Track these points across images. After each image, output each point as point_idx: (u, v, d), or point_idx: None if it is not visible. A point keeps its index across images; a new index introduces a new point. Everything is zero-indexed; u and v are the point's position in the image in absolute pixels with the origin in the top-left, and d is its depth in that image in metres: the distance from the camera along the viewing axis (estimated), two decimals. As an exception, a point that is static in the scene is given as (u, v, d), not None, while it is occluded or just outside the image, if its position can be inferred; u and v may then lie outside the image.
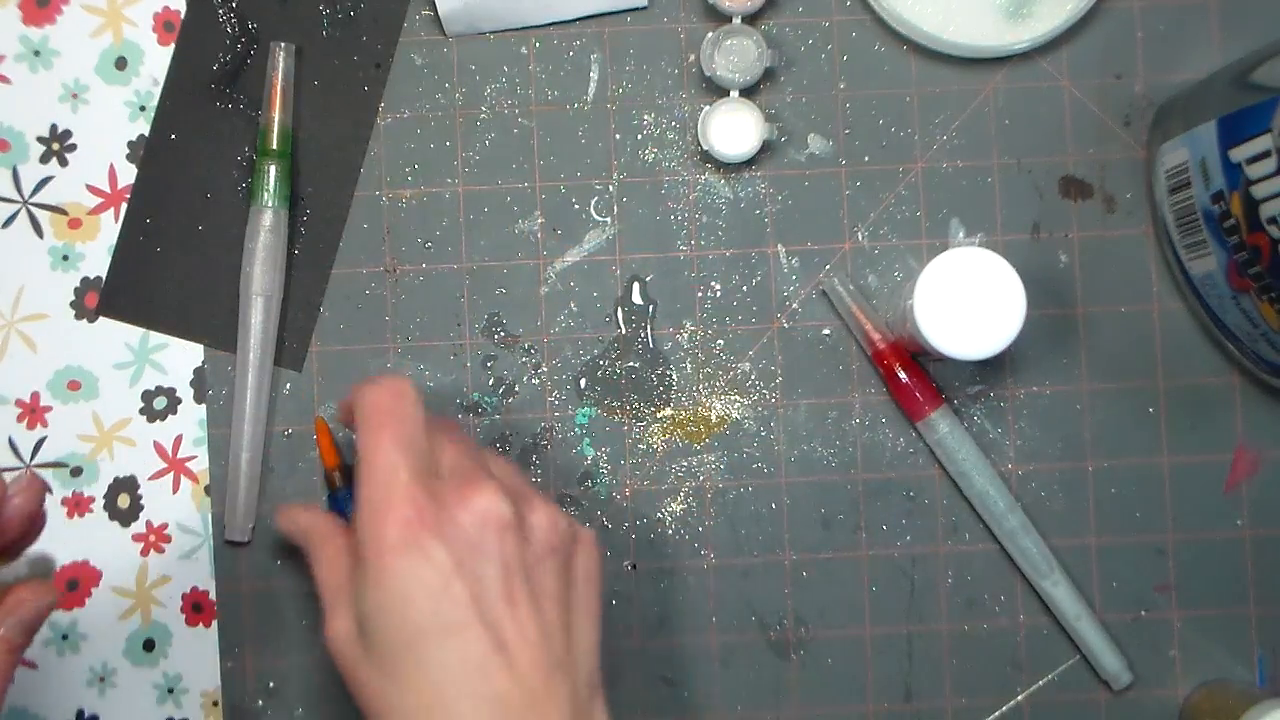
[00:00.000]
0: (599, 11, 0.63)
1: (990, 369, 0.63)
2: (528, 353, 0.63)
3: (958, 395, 0.63)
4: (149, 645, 0.62)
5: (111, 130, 0.63)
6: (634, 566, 0.62)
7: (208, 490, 0.63)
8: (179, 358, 0.63)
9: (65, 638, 0.62)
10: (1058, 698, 0.62)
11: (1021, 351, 0.63)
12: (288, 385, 0.63)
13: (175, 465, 0.63)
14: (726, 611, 0.62)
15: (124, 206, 0.63)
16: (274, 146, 0.61)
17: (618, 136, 0.63)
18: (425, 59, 0.63)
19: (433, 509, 0.48)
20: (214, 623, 0.62)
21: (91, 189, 0.63)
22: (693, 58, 0.63)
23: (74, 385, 0.63)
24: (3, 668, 0.47)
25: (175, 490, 0.63)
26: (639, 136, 0.63)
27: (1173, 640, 0.62)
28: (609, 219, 0.63)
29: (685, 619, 0.62)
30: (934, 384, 0.62)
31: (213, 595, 0.62)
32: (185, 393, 0.63)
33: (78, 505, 0.63)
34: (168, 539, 0.63)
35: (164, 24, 0.63)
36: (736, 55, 0.61)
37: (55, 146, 0.63)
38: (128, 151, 0.63)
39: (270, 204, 0.61)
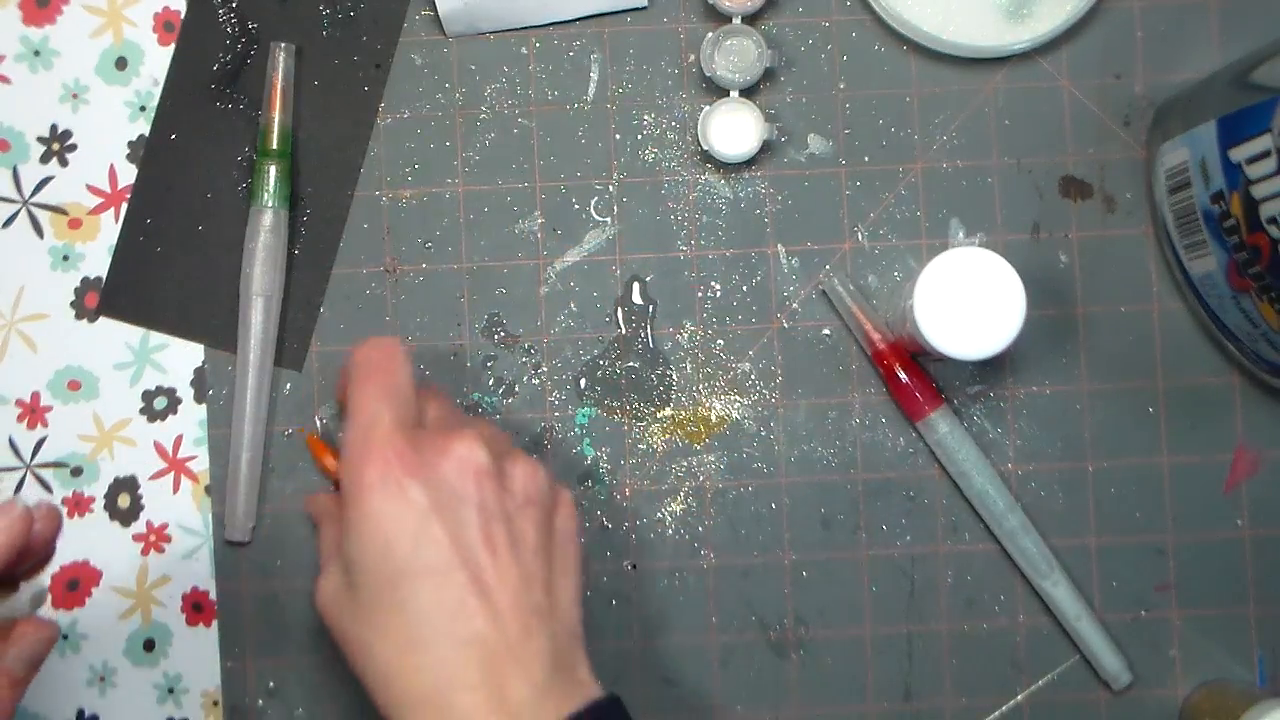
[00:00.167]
0: (599, 11, 0.63)
1: (990, 369, 0.63)
2: (528, 353, 0.63)
3: (958, 395, 0.63)
4: (149, 645, 0.62)
5: (111, 130, 0.63)
6: (634, 566, 0.62)
7: (208, 490, 0.63)
8: (179, 358, 0.63)
9: (65, 638, 0.62)
10: (1058, 698, 0.62)
11: (1021, 351, 0.63)
12: (288, 385, 0.63)
13: (175, 465, 0.63)
14: (726, 611, 0.62)
15: (124, 206, 0.63)
16: (274, 146, 0.61)
17: (618, 136, 0.63)
18: (425, 59, 0.63)
19: (413, 453, 0.49)
20: (214, 623, 0.62)
21: (91, 189, 0.63)
22: (693, 58, 0.63)
23: (74, 385, 0.63)
24: (6, 701, 0.47)
25: (175, 490, 0.63)
26: (639, 136, 0.63)
27: (1173, 640, 0.62)
28: (609, 219, 0.63)
29: (685, 619, 0.62)
30: (934, 384, 0.62)
31: (213, 595, 0.62)
32: (185, 393, 0.63)
33: (78, 505, 0.63)
34: (168, 539, 0.63)
35: (164, 24, 0.63)
36: (736, 55, 0.61)
37: (55, 146, 0.63)
38: (128, 151, 0.63)
39: (270, 204, 0.61)
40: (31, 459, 0.63)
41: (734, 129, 0.61)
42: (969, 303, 0.54)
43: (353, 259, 0.63)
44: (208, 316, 0.63)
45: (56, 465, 0.63)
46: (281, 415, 0.63)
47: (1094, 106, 0.63)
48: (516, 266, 0.63)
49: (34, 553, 0.48)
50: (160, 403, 0.63)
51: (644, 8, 0.63)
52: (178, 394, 0.63)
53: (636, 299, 0.63)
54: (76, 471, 0.63)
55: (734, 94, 0.61)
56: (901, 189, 0.63)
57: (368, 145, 0.63)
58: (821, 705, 0.62)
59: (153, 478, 0.63)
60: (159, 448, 0.63)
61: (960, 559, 0.62)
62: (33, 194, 0.63)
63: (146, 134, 0.63)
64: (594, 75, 0.63)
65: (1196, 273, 0.59)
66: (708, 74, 0.61)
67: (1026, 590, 0.62)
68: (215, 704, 0.62)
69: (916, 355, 0.61)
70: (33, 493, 0.63)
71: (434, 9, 0.62)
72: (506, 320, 0.63)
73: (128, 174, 0.63)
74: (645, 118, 0.63)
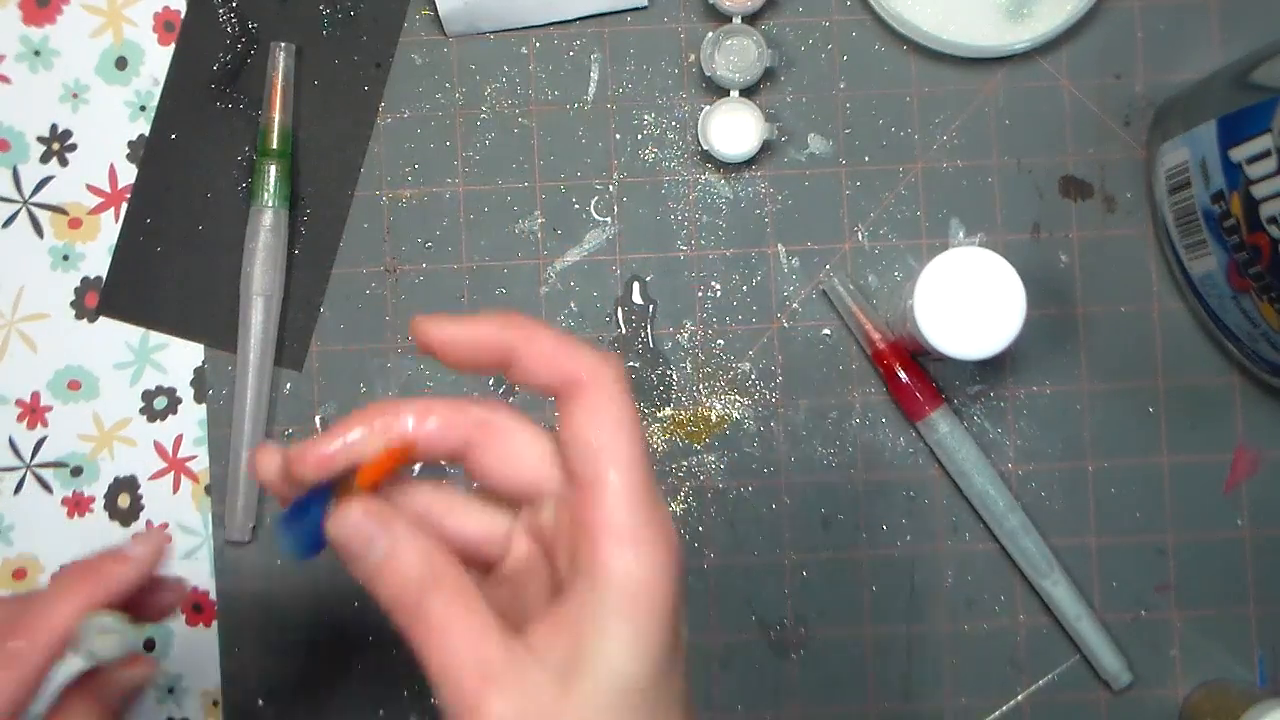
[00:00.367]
0: (599, 11, 0.63)
1: (990, 369, 0.63)
2: (528, 353, 0.63)
3: (958, 395, 0.63)
4: (149, 645, 0.62)
5: (111, 130, 0.63)
6: (634, 566, 0.62)
7: (208, 490, 0.63)
8: (179, 358, 0.63)
9: (65, 638, 0.62)
10: (1058, 698, 0.62)
11: (1021, 351, 0.63)
12: (288, 385, 0.63)
13: (175, 465, 0.63)
14: (726, 611, 0.62)
15: (124, 206, 0.63)
16: (274, 146, 0.61)
17: (618, 136, 0.63)
18: (425, 59, 0.63)
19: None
20: (214, 623, 0.62)
21: (91, 189, 0.63)
22: (693, 58, 0.63)
23: (74, 385, 0.63)
24: None
25: (175, 490, 0.63)
26: (639, 136, 0.63)
27: (1173, 640, 0.62)
28: (609, 219, 0.63)
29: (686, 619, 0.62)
30: (934, 384, 0.62)
31: (213, 595, 0.62)
32: (185, 393, 0.63)
33: (78, 505, 0.63)
34: (168, 539, 0.63)
35: (164, 24, 0.63)
36: (736, 55, 0.61)
37: (55, 146, 0.63)
38: (128, 151, 0.63)
39: (270, 204, 0.61)
40: (31, 459, 0.63)
41: (734, 129, 0.61)
42: (969, 303, 0.54)
43: (353, 259, 0.63)
44: (208, 316, 0.63)
45: (56, 465, 0.63)
46: (281, 415, 0.63)
47: (1094, 106, 0.63)
48: (516, 266, 0.63)
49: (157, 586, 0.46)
50: (160, 403, 0.63)
51: (644, 8, 0.63)
52: (178, 394, 0.63)
53: (636, 299, 0.63)
54: (76, 471, 0.63)
55: (734, 94, 0.61)
56: (901, 189, 0.63)
57: (368, 145, 0.63)
58: (821, 705, 0.62)
59: (153, 478, 0.63)
60: (159, 448, 0.63)
61: (960, 559, 0.62)
62: (33, 194, 0.63)
63: (146, 134, 0.63)
64: (594, 75, 0.63)
65: (1196, 273, 0.59)
66: (708, 74, 0.61)
67: (1026, 590, 0.62)
68: (215, 704, 0.62)
69: (916, 355, 0.61)
70: (33, 493, 0.63)
71: (434, 9, 0.62)
72: (506, 320, 0.63)
73: (128, 174, 0.63)
74: (645, 118, 0.63)
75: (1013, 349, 0.57)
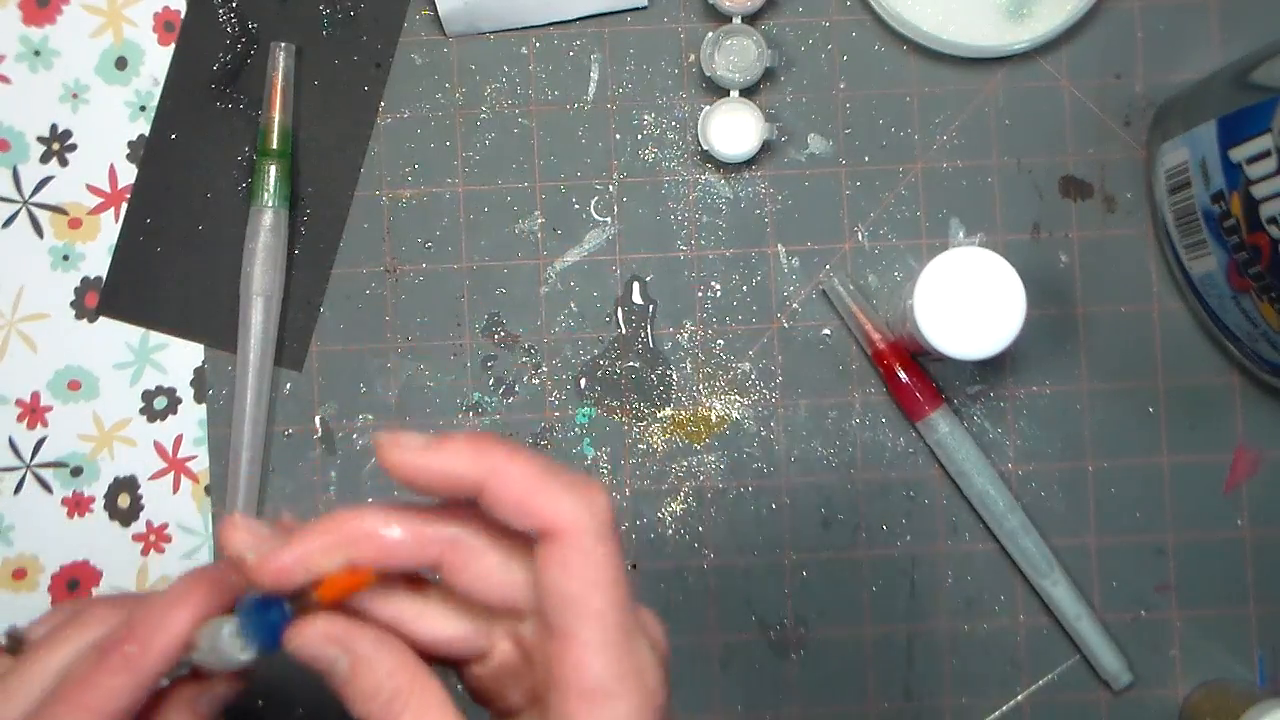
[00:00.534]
0: (599, 11, 0.63)
1: (990, 369, 0.63)
2: (528, 353, 0.63)
3: (958, 395, 0.63)
4: (149, 645, 0.62)
5: (111, 130, 0.63)
6: (634, 566, 0.62)
7: (208, 490, 0.63)
8: (179, 358, 0.63)
9: (65, 638, 0.62)
10: (1058, 698, 0.62)
11: (1021, 351, 0.63)
12: (288, 385, 0.63)
13: (175, 465, 0.63)
14: (726, 611, 0.62)
15: (124, 206, 0.63)
16: (274, 146, 0.61)
17: (618, 136, 0.63)
18: (425, 59, 0.63)
19: None
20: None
21: (91, 189, 0.63)
22: (693, 58, 0.63)
23: (74, 385, 0.63)
24: None
25: (175, 490, 0.63)
26: (639, 136, 0.63)
27: (1173, 640, 0.62)
28: (609, 219, 0.63)
29: (685, 619, 0.62)
30: (934, 384, 0.62)
31: (213, 595, 0.62)
32: (185, 393, 0.63)
33: (78, 505, 0.63)
34: (168, 539, 0.63)
35: (164, 24, 0.63)
36: (736, 55, 0.61)
37: (55, 146, 0.63)
38: (128, 151, 0.63)
39: (270, 204, 0.61)
40: (31, 459, 0.63)
41: (734, 129, 0.61)
42: (969, 303, 0.54)
43: (353, 259, 0.63)
44: (208, 316, 0.63)
45: (56, 465, 0.63)
46: (281, 415, 0.63)
47: (1094, 106, 0.63)
48: (516, 266, 0.63)
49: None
50: (160, 403, 0.63)
51: (644, 8, 0.63)
52: (178, 394, 0.63)
53: (636, 299, 0.63)
54: (76, 471, 0.63)
55: (734, 94, 0.61)
56: (901, 189, 0.63)
57: (368, 145, 0.63)
58: (821, 705, 0.62)
59: (153, 478, 0.63)
60: (159, 448, 0.63)
61: (960, 559, 0.62)
62: (33, 194, 0.63)
63: (146, 134, 0.63)
64: (594, 75, 0.63)
65: (1196, 273, 0.59)
66: (708, 74, 0.61)
67: (1026, 590, 0.62)
68: (215, 704, 0.62)
69: (916, 355, 0.61)
70: (33, 493, 0.63)
71: (434, 9, 0.62)
72: (506, 320, 0.63)
73: (128, 174, 0.63)
74: (645, 118, 0.63)
75: (1013, 349, 0.57)
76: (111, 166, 0.63)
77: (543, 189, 0.63)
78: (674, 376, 0.63)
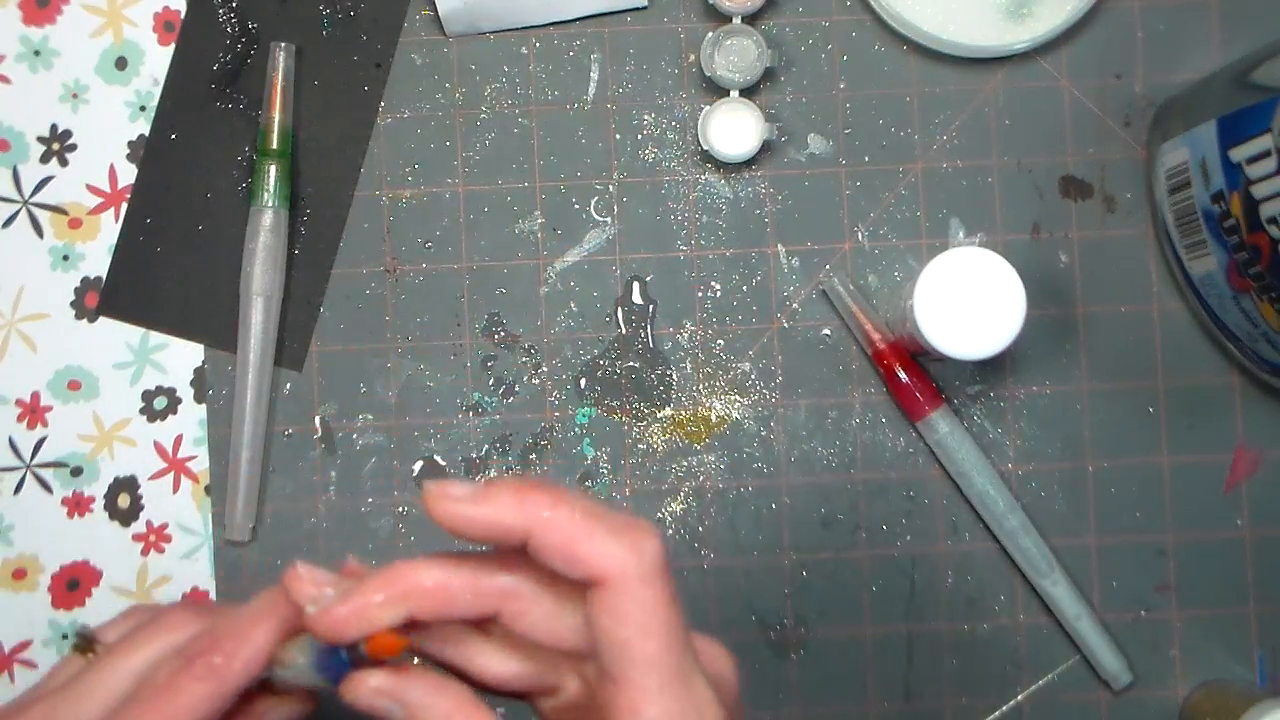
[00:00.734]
0: (599, 11, 0.63)
1: (990, 369, 0.63)
2: (528, 353, 0.63)
3: (958, 395, 0.63)
4: (149, 645, 0.62)
5: (111, 130, 0.63)
6: (634, 566, 0.62)
7: (208, 490, 0.63)
8: (179, 358, 0.63)
9: (65, 638, 0.62)
10: (1058, 698, 0.62)
11: (1021, 351, 0.63)
12: (288, 385, 0.63)
13: (175, 465, 0.63)
14: (726, 611, 0.62)
15: (124, 206, 0.63)
16: (274, 146, 0.61)
17: (618, 136, 0.63)
18: (425, 59, 0.63)
19: None
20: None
21: (91, 189, 0.63)
22: (693, 58, 0.63)
23: (74, 385, 0.63)
24: None
25: (175, 490, 0.63)
26: (639, 136, 0.63)
27: (1173, 640, 0.62)
28: (609, 219, 0.63)
29: (685, 619, 0.62)
30: (934, 384, 0.62)
31: (213, 595, 0.62)
32: (185, 393, 0.63)
33: (78, 505, 0.63)
34: (168, 539, 0.63)
35: (164, 24, 0.63)
36: (736, 55, 0.61)
37: (55, 146, 0.63)
38: (128, 151, 0.63)
39: (270, 204, 0.61)
40: (31, 459, 0.63)
41: (734, 129, 0.61)
42: (969, 303, 0.54)
43: (353, 259, 0.63)
44: (208, 316, 0.63)
45: (56, 465, 0.63)
46: (281, 415, 0.63)
47: (1094, 106, 0.63)
48: (516, 266, 0.63)
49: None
50: (160, 403, 0.63)
51: (644, 8, 0.63)
52: (178, 394, 0.63)
53: (636, 299, 0.63)
54: (76, 471, 0.63)
55: (734, 94, 0.61)
56: (901, 189, 0.63)
57: (368, 145, 0.63)
58: (821, 705, 0.62)
59: (153, 478, 0.63)
60: (159, 448, 0.63)
61: (960, 559, 0.62)
62: (33, 194, 0.63)
63: (146, 134, 0.63)
64: (594, 75, 0.63)
65: (1196, 273, 0.59)
66: (708, 74, 0.61)
67: (1026, 590, 0.62)
68: (215, 704, 0.62)
69: (916, 355, 0.61)
70: (33, 493, 0.63)
71: (434, 9, 0.62)
72: (506, 320, 0.63)
73: (128, 174, 0.63)
74: (645, 118, 0.63)
75: (1013, 349, 0.57)
76: (111, 166, 0.63)
77: (543, 189, 0.63)
78: (674, 376, 0.63)
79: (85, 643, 0.43)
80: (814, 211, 0.63)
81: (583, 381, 0.63)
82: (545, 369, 0.63)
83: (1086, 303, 0.63)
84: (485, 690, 0.39)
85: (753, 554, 0.63)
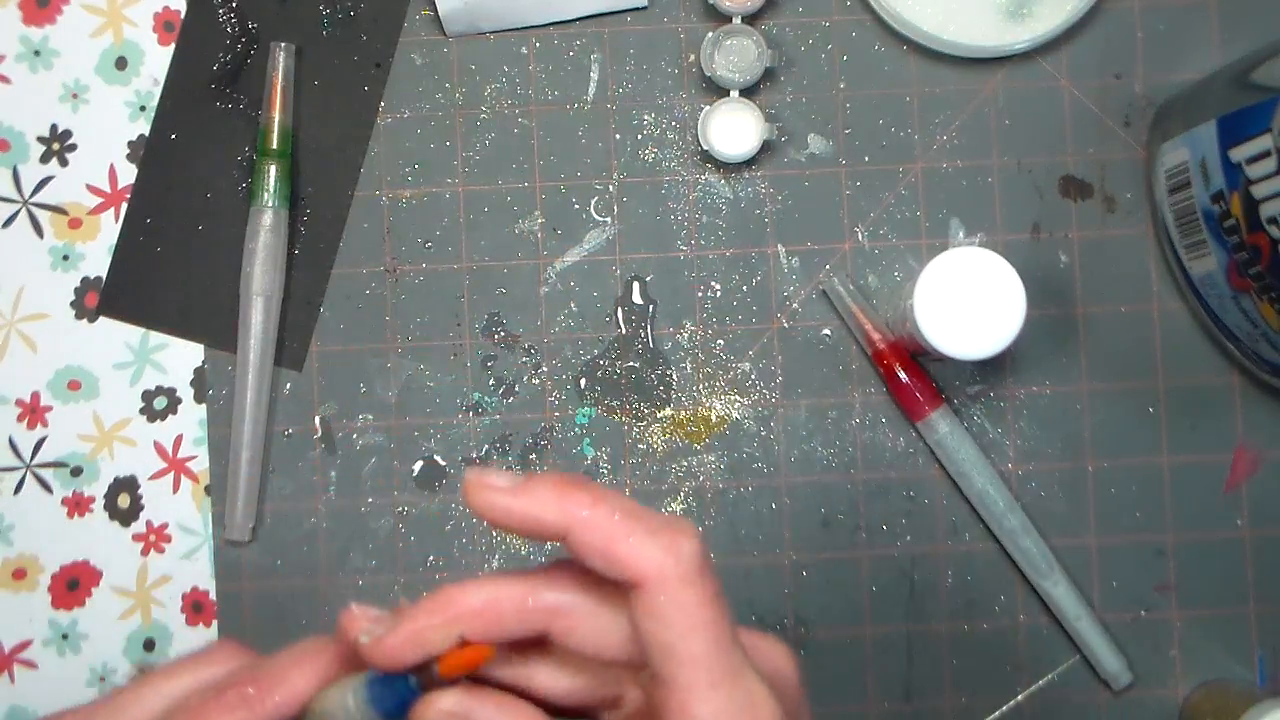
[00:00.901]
0: (599, 11, 0.63)
1: (990, 369, 0.63)
2: (528, 353, 0.63)
3: (958, 395, 0.63)
4: (149, 645, 0.62)
5: (111, 130, 0.63)
6: (634, 566, 0.62)
7: (208, 490, 0.63)
8: (179, 358, 0.63)
9: (65, 638, 0.62)
10: (1058, 698, 0.62)
11: (1021, 351, 0.63)
12: (288, 385, 0.63)
13: (175, 465, 0.63)
14: (726, 611, 0.62)
15: (124, 206, 0.63)
16: (274, 146, 0.61)
17: (618, 136, 0.63)
18: (425, 59, 0.63)
19: None
20: (214, 623, 0.62)
21: (91, 189, 0.63)
22: (693, 58, 0.63)
23: (74, 385, 0.63)
24: None
25: (175, 490, 0.63)
26: (639, 136, 0.63)
27: (1173, 640, 0.62)
28: (609, 219, 0.63)
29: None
30: (934, 384, 0.62)
31: (213, 595, 0.62)
32: (185, 393, 0.63)
33: (78, 505, 0.63)
34: (168, 539, 0.63)
35: (164, 24, 0.63)
36: (736, 55, 0.61)
37: (55, 146, 0.63)
38: (128, 151, 0.63)
39: (270, 204, 0.61)
40: (31, 459, 0.63)
41: (734, 129, 0.61)
42: (969, 303, 0.54)
43: (353, 259, 0.63)
44: (208, 316, 0.63)
45: (56, 465, 0.63)
46: (281, 415, 0.63)
47: (1094, 106, 0.63)
48: (516, 266, 0.63)
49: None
50: (160, 403, 0.63)
51: (644, 8, 0.63)
52: (178, 394, 0.63)
53: (636, 299, 0.63)
54: (76, 471, 0.63)
55: (734, 94, 0.61)
56: (901, 189, 0.63)
57: (368, 145, 0.63)
58: (821, 705, 0.62)
59: (153, 478, 0.63)
60: (159, 448, 0.63)
61: (960, 559, 0.62)
62: (33, 194, 0.63)
63: (146, 134, 0.63)
64: (594, 75, 0.63)
65: (1196, 273, 0.59)
66: (708, 74, 0.61)
67: (1026, 590, 0.62)
68: (215, 704, 0.62)
69: (916, 355, 0.61)
70: (33, 493, 0.63)
71: (434, 9, 0.62)
72: (506, 320, 0.63)
73: (128, 174, 0.63)
74: (645, 118, 0.63)
75: (1013, 349, 0.57)
76: (111, 166, 0.63)
77: (543, 189, 0.63)
78: (674, 376, 0.63)
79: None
80: (814, 211, 0.63)
81: (583, 381, 0.63)
82: (545, 369, 0.63)
83: (1086, 303, 0.63)
84: (549, 709, 0.39)
85: (753, 554, 0.63)
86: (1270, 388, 0.62)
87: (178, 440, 0.63)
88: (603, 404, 0.63)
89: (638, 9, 0.63)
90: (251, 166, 0.63)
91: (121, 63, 0.63)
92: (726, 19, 0.62)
